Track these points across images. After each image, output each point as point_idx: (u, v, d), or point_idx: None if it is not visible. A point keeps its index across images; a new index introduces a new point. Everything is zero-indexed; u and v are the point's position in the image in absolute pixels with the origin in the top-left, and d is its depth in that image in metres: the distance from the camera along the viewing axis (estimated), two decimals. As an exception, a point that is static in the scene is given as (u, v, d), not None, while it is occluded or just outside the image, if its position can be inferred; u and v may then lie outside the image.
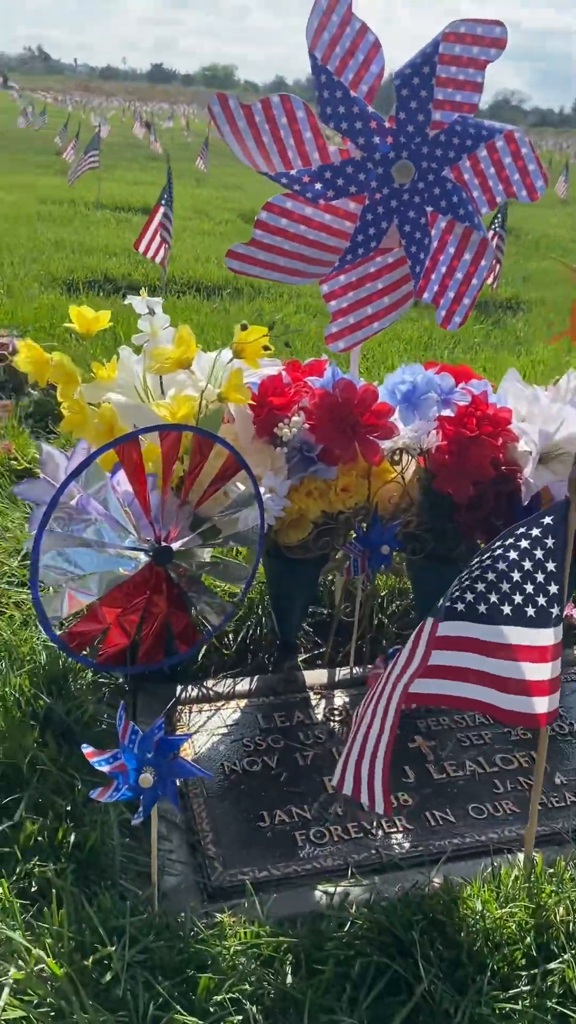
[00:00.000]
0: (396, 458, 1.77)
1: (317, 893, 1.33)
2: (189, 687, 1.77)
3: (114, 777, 1.14)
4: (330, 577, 2.01)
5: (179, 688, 1.76)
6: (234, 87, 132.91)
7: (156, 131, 18.08)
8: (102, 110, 32.92)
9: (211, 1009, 1.09)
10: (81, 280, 5.12)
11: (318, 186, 1.61)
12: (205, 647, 1.84)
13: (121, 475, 1.47)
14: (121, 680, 1.73)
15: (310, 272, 1.75)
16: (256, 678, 1.83)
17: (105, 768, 1.13)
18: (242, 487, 1.57)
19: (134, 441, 1.39)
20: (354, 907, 1.27)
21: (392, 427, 1.66)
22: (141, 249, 4.49)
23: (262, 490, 1.52)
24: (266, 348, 1.57)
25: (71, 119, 17.62)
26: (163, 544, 1.47)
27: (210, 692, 1.77)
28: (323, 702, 1.78)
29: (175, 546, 1.48)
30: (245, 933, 1.19)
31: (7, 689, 1.56)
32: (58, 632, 1.50)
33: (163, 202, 4.39)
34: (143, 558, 1.47)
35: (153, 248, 4.45)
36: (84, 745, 1.15)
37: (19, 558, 2.07)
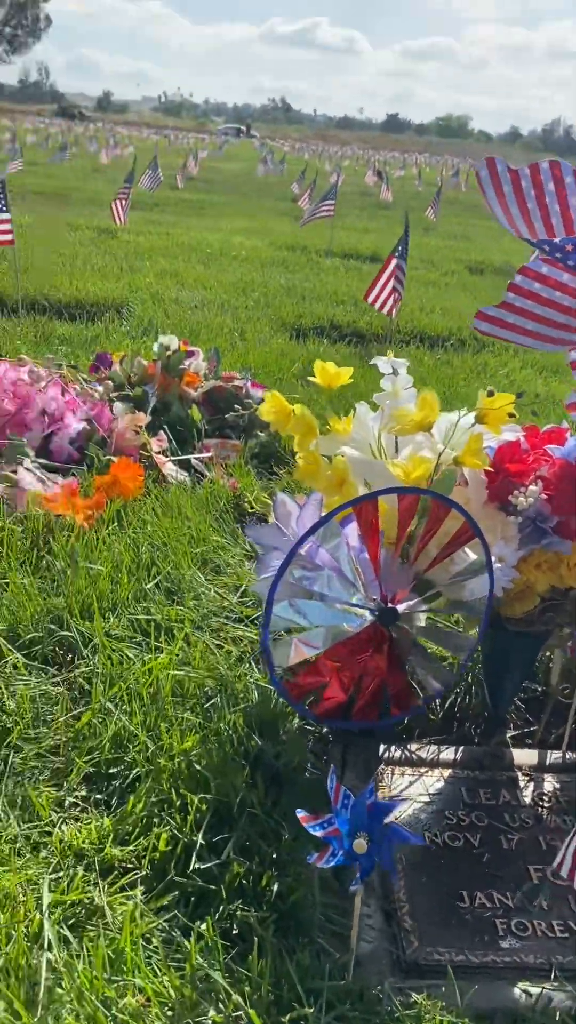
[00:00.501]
0: None
1: (517, 991, 1.26)
2: (393, 748, 1.75)
3: (328, 842, 1.14)
4: (549, 654, 1.93)
5: (382, 747, 1.74)
6: (467, 137, 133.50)
7: (388, 179, 18.46)
8: (337, 159, 34.15)
9: None
10: (308, 326, 5.29)
11: (580, 255, 1.57)
12: (412, 708, 1.82)
13: (351, 529, 1.50)
14: (326, 730, 1.74)
15: (561, 339, 1.70)
16: (462, 748, 1.78)
17: (319, 833, 1.14)
18: (471, 555, 1.55)
19: (373, 500, 1.40)
20: (558, 1014, 1.20)
21: None
22: (370, 300, 4.58)
23: (492, 559, 1.49)
24: (511, 415, 1.55)
25: (308, 167, 18.40)
26: (389, 605, 1.48)
27: (414, 756, 1.74)
28: (532, 784, 1.70)
29: (400, 608, 1.48)
30: (442, 1022, 1.15)
31: (222, 724, 1.61)
32: (282, 680, 1.54)
33: (397, 254, 4.47)
34: (368, 616, 1.48)
35: (382, 299, 4.53)
36: (299, 810, 1.16)
37: (238, 595, 2.14)
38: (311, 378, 1.91)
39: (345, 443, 1.76)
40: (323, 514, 1.59)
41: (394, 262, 4.45)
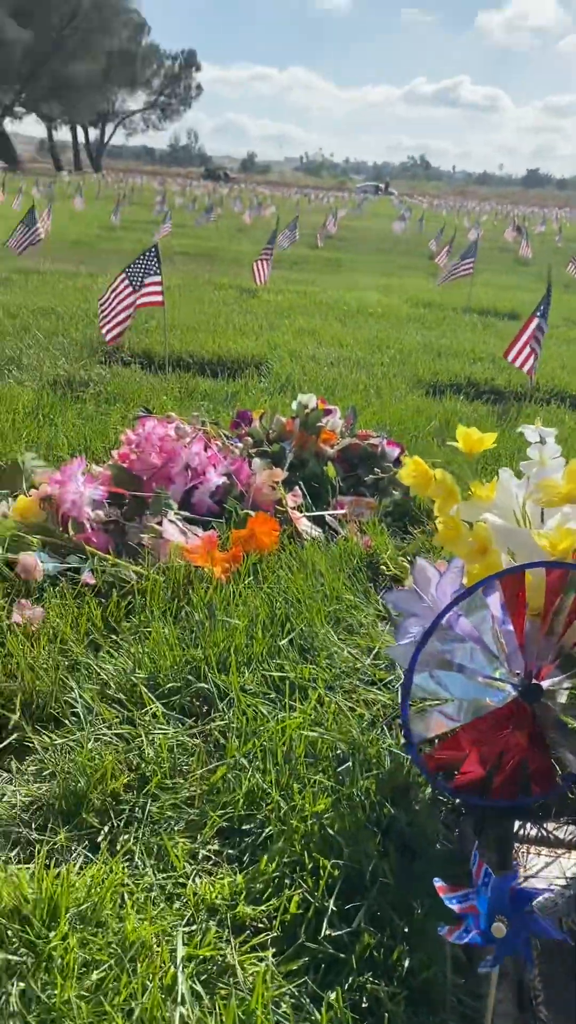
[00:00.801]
0: None
1: None
2: (529, 825, 1.69)
3: (463, 918, 1.12)
4: None
5: (517, 824, 1.69)
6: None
7: (528, 235, 18.36)
8: (475, 214, 34.24)
9: None
10: (445, 383, 5.30)
11: None
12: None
13: (495, 599, 1.48)
14: (458, 801, 1.70)
15: None
16: (603, 831, 1.70)
17: (456, 907, 1.12)
18: (620, 631, 1.50)
19: (519, 573, 1.39)
20: None
21: None
22: (510, 358, 4.54)
23: None
24: None
25: (446, 224, 18.53)
26: (534, 681, 1.45)
27: (551, 836, 1.68)
28: None
29: (545, 684, 1.45)
30: None
31: (354, 789, 1.61)
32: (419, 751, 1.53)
33: (539, 313, 4.43)
34: (510, 691, 1.46)
35: (522, 358, 4.49)
36: (436, 879, 1.14)
37: (371, 656, 2.14)
38: (451, 443, 1.92)
39: (487, 509, 1.75)
40: (464, 581, 1.59)
41: (535, 322, 4.41)
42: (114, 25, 59.48)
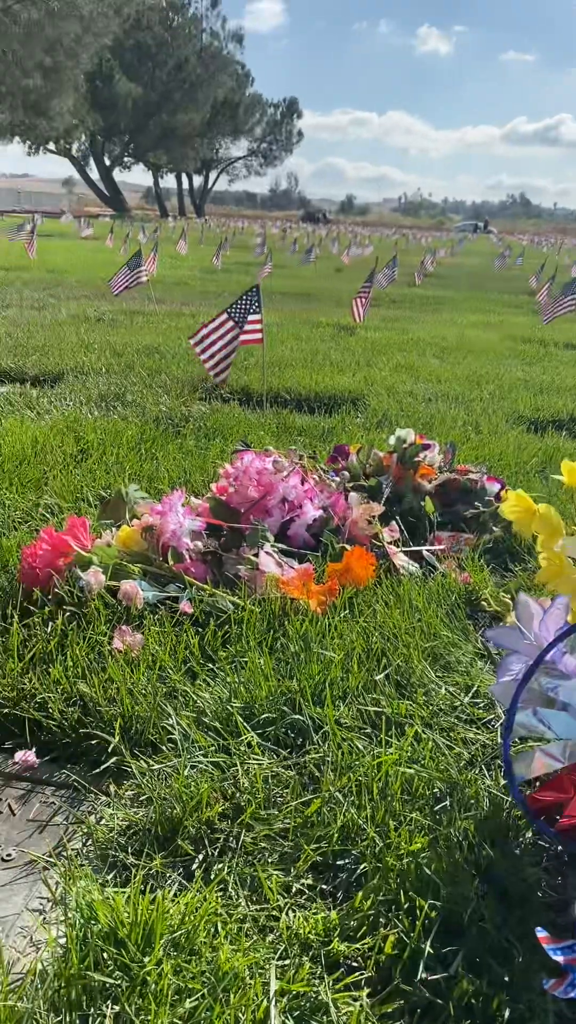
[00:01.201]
0: None
1: None
2: None
3: (568, 970, 1.07)
4: None
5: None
6: None
7: (631, 271, 17.94)
8: (576, 252, 33.72)
9: None
10: (547, 419, 5.20)
11: None
12: None
13: (601, 639, 1.43)
14: (561, 849, 1.64)
15: None
16: None
17: (560, 959, 1.08)
18: None
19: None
20: None
21: None
22: (614, 394, 4.43)
23: None
24: None
25: (547, 261, 18.31)
26: None
27: None
28: None
29: None
30: None
31: (452, 830, 1.57)
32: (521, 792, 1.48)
33: None
34: (617, 732, 1.40)
35: (627, 393, 4.37)
36: (539, 928, 1.10)
37: (469, 695, 2.10)
38: (556, 476, 1.88)
39: (592, 546, 1.70)
40: (568, 619, 1.54)
41: None
42: (219, 77, 61.70)
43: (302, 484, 2.96)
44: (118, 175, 65.06)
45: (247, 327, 4.72)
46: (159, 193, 72.77)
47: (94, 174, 61.72)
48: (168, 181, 76.68)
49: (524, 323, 10.49)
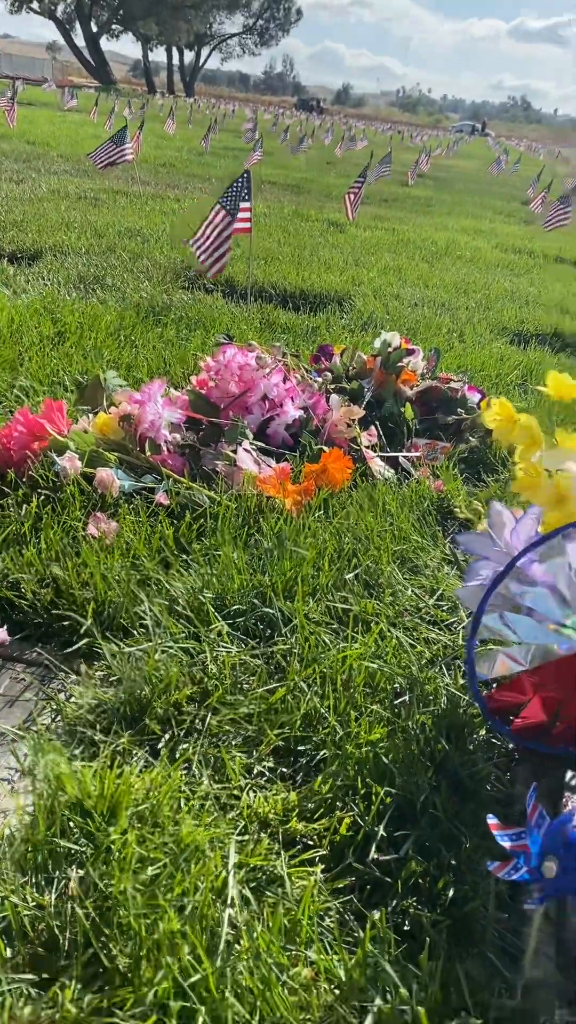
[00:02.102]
0: None
1: None
2: (581, 776, 1.69)
3: (514, 855, 1.13)
4: None
5: (570, 774, 1.69)
6: None
7: (629, 186, 17.52)
8: None
9: None
10: (531, 332, 5.15)
11: None
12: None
13: (574, 548, 1.46)
14: (512, 747, 1.71)
15: None
16: None
17: (507, 844, 1.13)
18: None
19: (602, 523, 1.37)
20: None
21: None
22: (602, 311, 4.39)
23: None
24: None
25: (544, 170, 17.80)
26: (604, 631, 1.43)
27: (603, 789, 1.68)
28: None
29: (615, 637, 1.43)
30: (612, 1066, 1.12)
31: (411, 723, 1.63)
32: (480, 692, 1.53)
33: None
34: (579, 640, 1.45)
35: (615, 311, 4.33)
36: (489, 816, 1.15)
37: (434, 597, 2.14)
38: (540, 388, 1.88)
39: (571, 459, 1.71)
40: (540, 529, 1.56)
41: (632, 274, 4.23)
42: None
43: (284, 382, 2.93)
44: (105, 44, 61.45)
45: (238, 215, 4.56)
46: (148, 67, 68.87)
47: (80, 40, 58.13)
48: (158, 55, 72.63)
49: (516, 232, 10.27)
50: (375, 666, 1.79)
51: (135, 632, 1.86)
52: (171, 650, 1.80)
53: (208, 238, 4.46)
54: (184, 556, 2.16)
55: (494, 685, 1.75)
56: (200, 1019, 1.08)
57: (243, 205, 4.53)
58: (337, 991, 1.16)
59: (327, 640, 1.89)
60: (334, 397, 2.96)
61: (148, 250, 5.86)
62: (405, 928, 1.29)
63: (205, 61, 74.28)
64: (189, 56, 71.55)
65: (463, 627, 2.02)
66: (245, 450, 2.56)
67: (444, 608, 2.12)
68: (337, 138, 25.54)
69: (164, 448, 2.55)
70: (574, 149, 55.93)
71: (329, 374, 3.26)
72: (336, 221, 8.65)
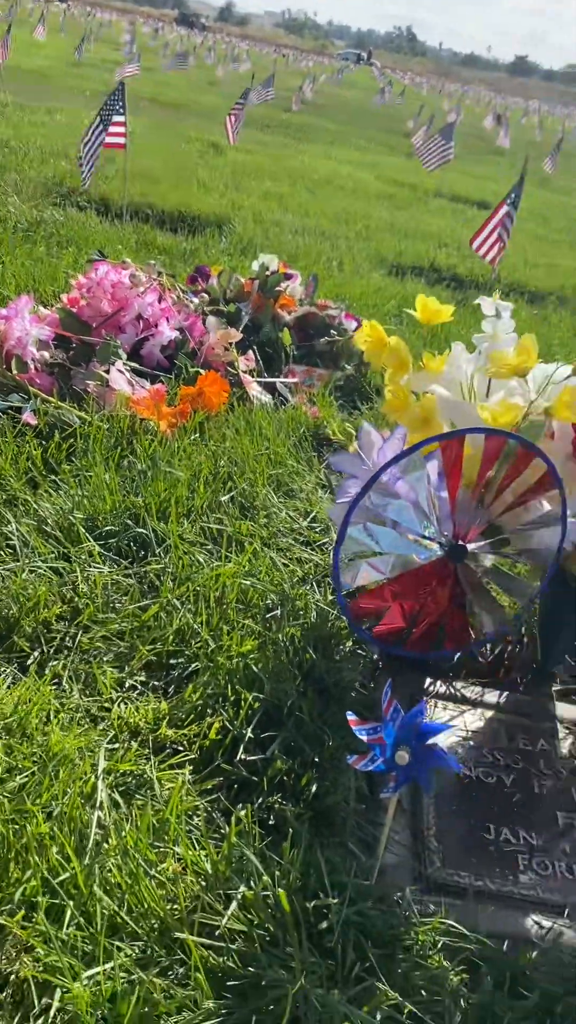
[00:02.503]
0: None
1: (530, 921, 1.32)
2: (439, 683, 1.79)
3: (371, 748, 1.20)
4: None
5: (428, 680, 1.79)
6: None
7: (508, 126, 17.76)
8: (458, 96, 32.93)
9: (410, 990, 1.13)
10: (408, 264, 5.22)
11: None
12: (463, 649, 1.86)
13: (434, 465, 1.52)
14: (375, 656, 1.79)
15: None
16: (506, 694, 1.82)
17: (364, 737, 1.20)
18: (547, 506, 1.56)
19: (460, 438, 1.42)
20: (568, 948, 1.25)
21: None
22: (475, 246, 4.48)
23: (568, 513, 1.50)
24: (610, 372, 1.54)
25: (426, 104, 17.80)
26: (460, 542, 1.51)
27: (458, 694, 1.78)
28: (572, 738, 1.74)
29: (470, 547, 1.51)
30: (455, 932, 1.22)
31: (280, 635, 1.68)
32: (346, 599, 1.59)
33: (508, 202, 4.35)
34: (437, 550, 1.52)
35: (487, 246, 4.44)
36: (349, 712, 1.21)
37: (307, 519, 2.19)
38: (409, 311, 1.92)
39: (437, 381, 1.77)
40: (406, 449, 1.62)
41: (504, 209, 4.34)
42: None
43: (159, 302, 2.87)
44: None
45: (111, 128, 4.38)
46: (16, -35, 64.02)
47: None
48: (27, -49, 67.48)
49: (398, 165, 10.28)
50: (248, 583, 1.83)
51: (1, 552, 1.83)
52: (40, 570, 1.78)
53: (86, 152, 4.28)
54: (53, 477, 2.12)
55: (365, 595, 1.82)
56: (68, 913, 1.11)
57: (116, 119, 4.34)
58: (204, 882, 1.21)
59: (201, 560, 1.91)
60: (211, 319, 2.93)
61: (17, 163, 5.56)
62: (270, 823, 1.35)
63: (79, -36, 69.69)
64: (62, -43, 66.92)
65: (333, 549, 2.08)
66: (118, 370, 2.52)
67: (317, 530, 2.17)
68: (219, 57, 24.69)
69: (31, 366, 2.47)
70: (458, 85, 56.10)
71: (206, 295, 3.22)
72: (216, 143, 8.42)
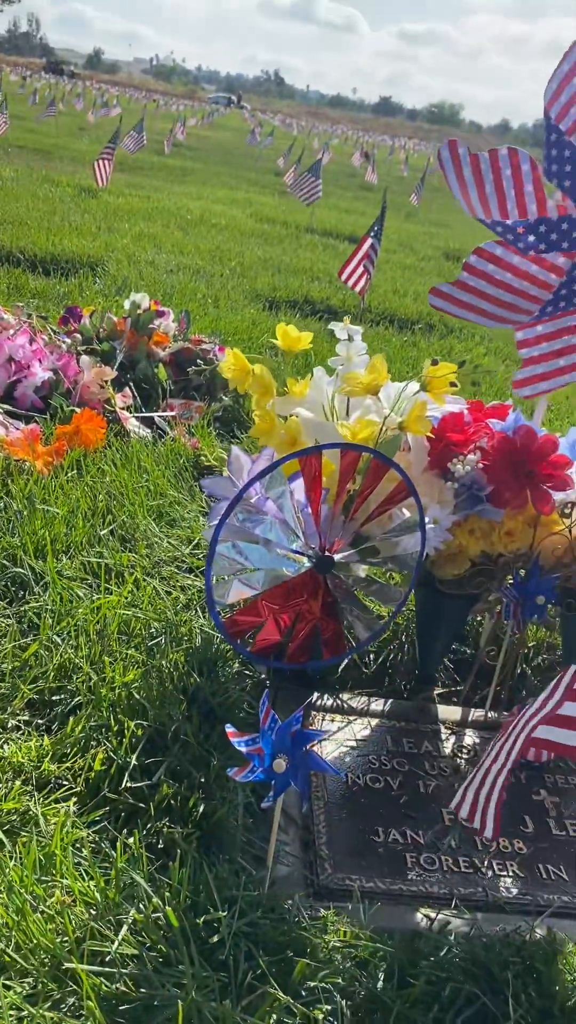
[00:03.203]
0: (567, 511, 1.78)
1: (419, 915, 1.37)
2: (325, 696, 1.84)
3: (250, 759, 1.23)
4: (479, 618, 2.04)
5: (315, 695, 1.83)
6: (457, 126, 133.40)
7: (374, 162, 18.44)
8: (326, 136, 33.97)
9: (303, 992, 1.15)
10: (283, 299, 5.35)
11: (531, 238, 1.67)
12: (346, 662, 1.91)
13: (299, 483, 1.58)
14: (263, 676, 1.83)
15: (509, 318, 1.80)
16: (390, 701, 1.88)
17: (243, 749, 1.23)
18: (407, 513, 1.64)
19: (317, 455, 1.49)
20: (453, 936, 1.30)
21: (568, 479, 1.68)
22: (343, 277, 4.64)
23: (426, 520, 1.58)
24: (453, 384, 1.63)
25: (296, 143, 18.30)
26: (326, 554, 1.56)
27: (344, 705, 1.84)
28: (453, 738, 1.81)
29: (336, 558, 1.57)
30: (345, 932, 1.25)
31: (164, 662, 1.69)
32: (221, 617, 1.62)
33: (372, 234, 4.53)
34: (306, 563, 1.57)
35: (355, 277, 4.60)
36: (228, 725, 1.24)
37: (190, 547, 2.22)
38: (273, 340, 1.98)
39: (300, 404, 1.83)
40: (272, 468, 1.67)
41: (369, 241, 4.51)
42: None
43: (31, 344, 2.87)
44: None
45: (-27, 175, 4.35)
46: None
47: None
48: None
49: (270, 203, 10.52)
50: (129, 613, 1.84)
51: None
52: None
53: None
54: None
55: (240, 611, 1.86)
56: (-49, 957, 1.09)
57: (-19, 164, 4.32)
58: (93, 911, 1.21)
59: (81, 594, 1.91)
60: (85, 358, 2.94)
61: None
62: (159, 847, 1.36)
63: None
64: None
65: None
66: (-9, 414, 2.49)
67: (199, 556, 2.20)
68: (89, 103, 24.76)
69: None
70: (326, 125, 57.89)
71: (79, 336, 3.23)
72: (88, 187, 8.43)
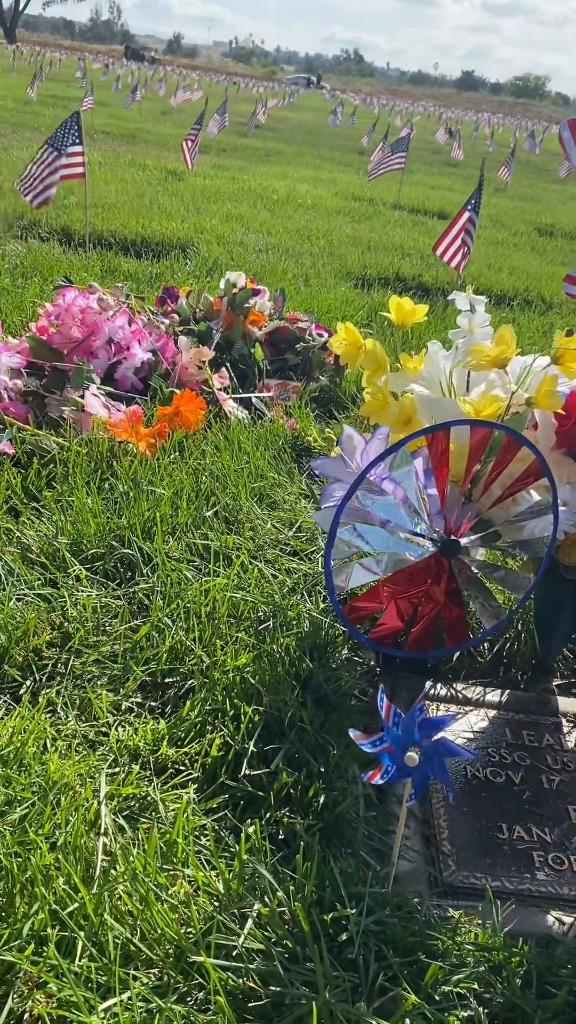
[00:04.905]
0: None
1: (551, 918, 1.29)
2: (439, 685, 1.77)
3: (381, 759, 1.17)
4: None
5: (428, 683, 1.77)
6: (543, 99, 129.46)
7: (459, 138, 17.98)
8: (408, 114, 33.38)
9: (437, 997, 1.10)
10: (373, 276, 5.24)
11: None
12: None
13: (420, 462, 1.50)
14: (374, 663, 1.77)
15: None
16: (507, 692, 1.80)
17: (371, 750, 1.17)
18: (535, 495, 1.55)
19: (445, 432, 1.41)
20: (591, 943, 1.22)
21: None
22: (439, 252, 4.51)
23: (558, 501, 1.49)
24: (586, 359, 1.53)
25: (379, 121, 18.00)
26: (452, 537, 1.49)
27: (459, 695, 1.76)
28: (576, 731, 1.72)
29: (463, 542, 1.49)
30: (478, 935, 1.19)
31: (274, 646, 1.65)
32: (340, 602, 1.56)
33: (469, 207, 4.38)
34: (430, 547, 1.50)
35: (451, 253, 4.46)
36: (352, 729, 1.18)
37: (292, 530, 2.17)
38: (384, 313, 1.91)
39: (415, 381, 1.76)
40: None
41: (466, 215, 4.37)
42: None
43: (129, 325, 2.85)
44: None
45: (67, 160, 4.37)
46: (-38, 9, 64.34)
47: None
48: (-27, -4, 67.82)
49: (354, 181, 10.36)
50: (238, 596, 1.80)
51: (-13, 581, 1.79)
52: (27, 597, 1.75)
53: (33, 176, 4.26)
54: (35, 504, 2.09)
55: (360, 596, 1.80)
56: (80, 944, 1.07)
57: (74, 149, 4.34)
58: (217, 902, 1.17)
59: (189, 576, 1.88)
60: (183, 339, 2.91)
61: (-24, 199, 5.54)
62: (280, 837, 1.31)
63: (26, 6, 70.18)
64: (8, 0, 67.36)
65: (322, 555, 2.06)
66: (93, 395, 2.49)
67: (303, 539, 2.15)
68: (171, 88, 24.86)
69: (5, 395, 2.44)
70: (408, 102, 56.92)
71: (176, 316, 3.21)
72: (174, 170, 8.45)
